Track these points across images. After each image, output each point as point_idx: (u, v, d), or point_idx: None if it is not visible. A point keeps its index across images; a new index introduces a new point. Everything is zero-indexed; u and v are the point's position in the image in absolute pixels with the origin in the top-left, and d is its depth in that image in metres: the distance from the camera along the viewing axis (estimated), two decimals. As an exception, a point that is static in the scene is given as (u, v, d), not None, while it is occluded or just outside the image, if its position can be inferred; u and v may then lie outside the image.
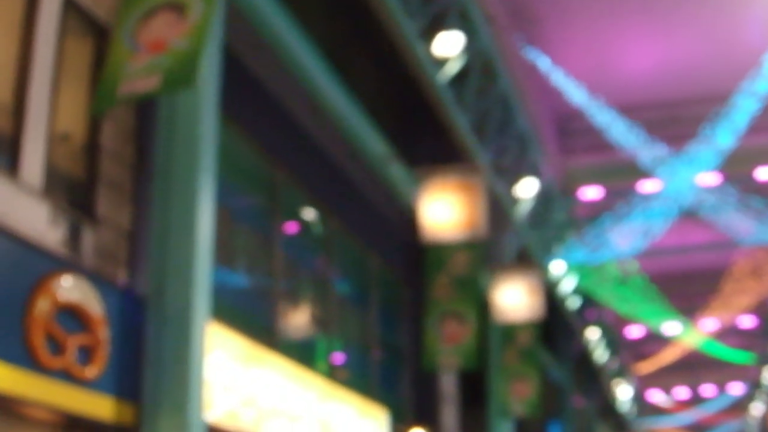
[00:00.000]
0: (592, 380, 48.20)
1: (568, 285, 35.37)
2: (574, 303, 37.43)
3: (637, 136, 27.97)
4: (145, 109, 11.51)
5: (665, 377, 59.18)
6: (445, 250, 18.47)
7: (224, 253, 14.59)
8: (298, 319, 17.72)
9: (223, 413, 12.44)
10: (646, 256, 32.56)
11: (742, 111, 26.59)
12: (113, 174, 11.07)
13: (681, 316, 40.54)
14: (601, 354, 46.08)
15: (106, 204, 10.88)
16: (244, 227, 15.91)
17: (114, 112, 11.12)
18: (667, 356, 47.10)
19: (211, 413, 11.87)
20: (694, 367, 56.88)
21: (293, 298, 17.55)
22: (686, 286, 41.28)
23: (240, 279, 15.68)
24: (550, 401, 43.22)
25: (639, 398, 61.87)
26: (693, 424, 66.98)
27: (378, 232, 21.86)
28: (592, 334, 42.94)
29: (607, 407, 56.87)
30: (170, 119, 11.41)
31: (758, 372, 56.20)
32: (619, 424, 59.93)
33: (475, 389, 26.94)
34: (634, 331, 47.65)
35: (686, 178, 29.50)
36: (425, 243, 18.70)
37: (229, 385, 12.66)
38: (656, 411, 64.82)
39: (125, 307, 10.69)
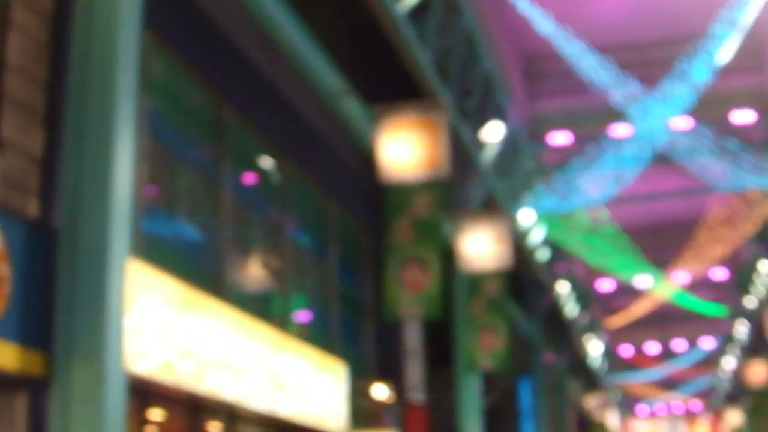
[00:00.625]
0: (562, 335, 47.24)
1: (537, 236, 34.25)
2: (543, 255, 36.32)
3: (608, 77, 26.72)
4: (57, 20, 10.19)
5: (636, 332, 58.28)
6: (405, 191, 17.08)
7: (167, 198, 13.77)
8: (250, 270, 16.60)
9: (156, 364, 11.22)
10: (617, 203, 31.41)
11: (718, 43, 25.35)
12: (21, 94, 9.78)
13: (653, 268, 39.43)
14: (571, 308, 45.09)
15: (13, 127, 9.61)
16: (189, 170, 14.64)
17: (22, 23, 9.82)
18: (638, 309, 46.06)
19: (142, 363, 10.69)
20: (665, 321, 55.99)
21: (244, 246, 16.40)
22: (658, 238, 40.24)
23: (184, 225, 14.51)
24: (520, 357, 42.30)
25: (610, 354, 61.05)
26: (664, 379, 66.35)
27: (336, 176, 20.80)
28: (562, 287, 41.90)
29: (578, 363, 56.02)
30: (86, 32, 10.11)
31: (730, 325, 55.40)
32: (590, 380, 59.11)
33: (440, 343, 25.89)
34: (605, 285, 46.61)
35: (659, 120, 28.31)
36: (384, 185, 17.34)
37: (163, 332, 11.42)
38: (627, 366, 64.05)
39: (34, 241, 9.42)
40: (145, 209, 12.10)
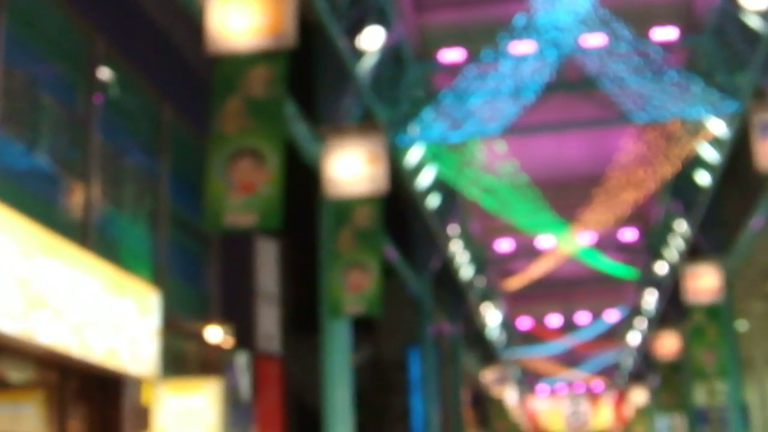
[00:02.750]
0: (456, 301, 43.23)
1: (426, 178, 30.13)
2: (433, 201, 32.17)
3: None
4: None
5: (537, 304, 54.51)
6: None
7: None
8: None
9: None
10: (517, 134, 27.37)
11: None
12: None
13: (555, 221, 35.34)
14: (466, 271, 41.05)
15: None
16: (49, 99, 12.93)
17: None
18: (538, 270, 41.93)
19: None
20: (568, 292, 52.28)
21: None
22: (563, 193, 36.19)
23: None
24: (410, 323, 38.39)
25: (509, 326, 57.22)
26: (567, 355, 62.79)
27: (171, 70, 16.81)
28: (456, 245, 37.80)
29: (474, 334, 52.15)
30: None
31: (637, 297, 51.85)
32: (487, 353, 55.25)
33: (302, 283, 21.76)
34: (504, 246, 42.52)
35: (567, 36, 24.31)
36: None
37: None
38: (527, 340, 60.26)
39: None
40: None
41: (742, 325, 38.24)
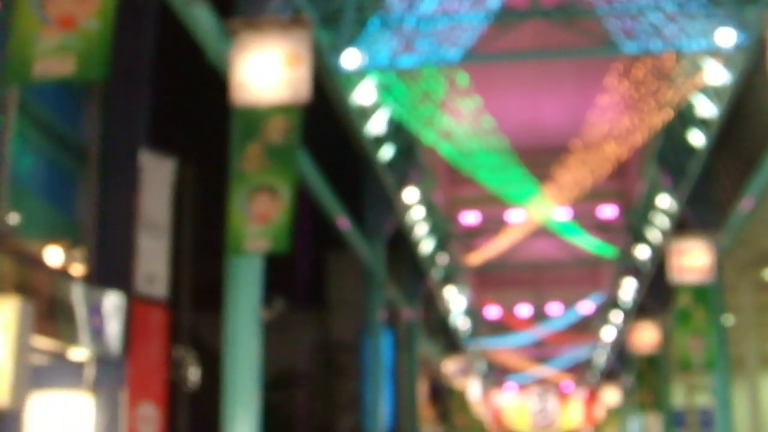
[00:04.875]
0: (414, 280, 39.16)
1: (378, 122, 26.07)
2: (387, 153, 28.08)
3: None
4: None
5: (505, 290, 50.56)
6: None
7: None
8: None
9: None
10: (480, 61, 23.27)
11: None
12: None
13: (527, 180, 31.24)
14: (426, 244, 36.97)
15: None
16: None
17: None
18: (506, 241, 37.71)
19: None
20: (538, 276, 48.35)
21: None
22: (537, 159, 32.25)
23: None
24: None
25: (474, 314, 53.16)
26: (536, 349, 58.88)
27: None
28: (415, 214, 33.68)
29: (436, 320, 48.10)
30: None
31: (613, 287, 47.95)
32: (450, 341, 51.17)
33: (204, 213, 17.77)
34: (470, 218, 38.42)
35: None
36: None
37: None
38: (494, 330, 56.22)
39: None
40: None
41: (728, 319, 34.36)
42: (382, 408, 31.03)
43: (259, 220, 15.01)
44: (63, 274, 13.25)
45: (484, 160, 28.50)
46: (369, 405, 30.92)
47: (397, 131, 27.66)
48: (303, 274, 42.37)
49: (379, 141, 27.29)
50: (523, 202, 32.99)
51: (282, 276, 41.15)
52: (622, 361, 58.65)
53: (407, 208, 32.50)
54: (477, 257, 39.41)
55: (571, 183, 29.79)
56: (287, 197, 14.99)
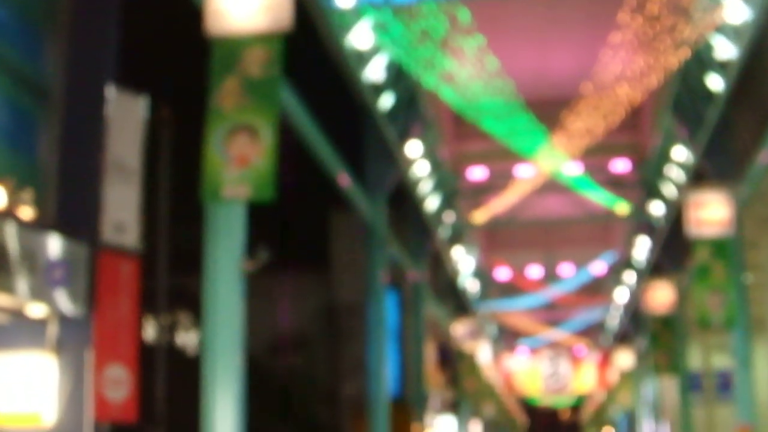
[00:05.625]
0: (420, 238, 37.68)
1: (376, 68, 24.58)
2: (387, 101, 26.60)
3: None
4: None
5: (515, 250, 49.11)
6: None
7: None
8: None
9: None
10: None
11: None
12: None
13: (536, 129, 29.64)
14: (431, 201, 35.50)
15: None
16: None
17: None
18: (515, 195, 36.08)
19: None
20: (549, 234, 46.91)
21: None
22: (546, 111, 30.72)
23: None
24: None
25: (484, 275, 51.73)
26: (547, 312, 57.47)
27: None
28: (420, 169, 32.22)
29: (444, 282, 46.71)
30: None
31: (626, 247, 46.50)
32: (459, 304, 49.77)
33: (181, 157, 16.33)
34: (477, 174, 36.84)
35: None
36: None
37: None
38: (504, 292, 54.79)
39: None
40: None
41: (748, 277, 32.84)
42: (386, 372, 29.63)
43: (238, 163, 13.75)
44: (15, 219, 11.83)
45: (489, 106, 26.91)
46: (372, 370, 29.50)
47: (397, 78, 26.19)
48: (305, 234, 41.02)
49: (378, 89, 25.82)
50: (532, 153, 31.35)
51: (281, 235, 39.90)
52: (635, 324, 57.29)
53: (410, 162, 31.05)
54: (485, 213, 37.83)
55: (582, 131, 28.21)
56: (269, 138, 13.72)
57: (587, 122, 27.34)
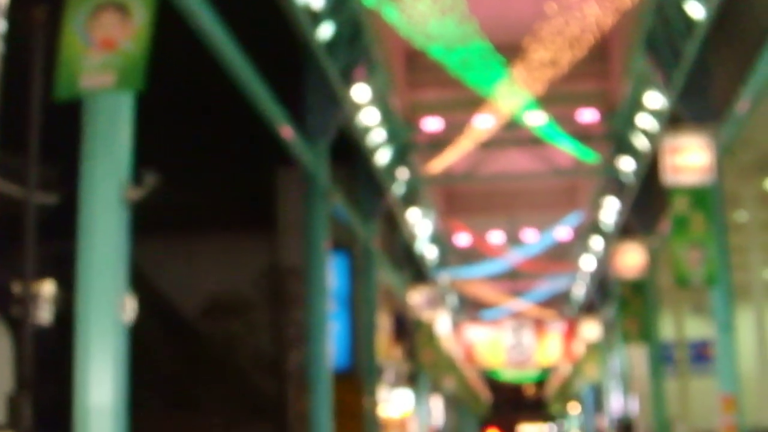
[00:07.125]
0: (370, 196, 34.67)
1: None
2: (326, 31, 23.53)
3: None
4: None
5: (475, 213, 46.18)
6: None
7: None
8: None
9: None
10: None
11: None
12: None
13: (494, 61, 26.60)
14: (383, 154, 32.52)
15: None
16: None
17: None
18: (470, 142, 33.01)
19: None
20: (512, 195, 44.09)
21: None
22: (508, 56, 27.76)
23: None
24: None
25: (442, 241, 48.85)
26: (510, 279, 54.74)
27: None
28: (368, 116, 29.24)
29: (400, 247, 43.85)
30: None
31: (592, 211, 43.75)
32: (417, 270, 46.85)
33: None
34: (432, 124, 33.79)
35: None
36: None
37: None
38: (465, 259, 51.97)
39: None
40: None
41: (741, 215, 30.25)
42: (329, 342, 26.64)
43: (103, 47, 11.61)
44: None
45: (439, 29, 23.83)
46: (314, 338, 26.52)
47: (338, 5, 23.17)
48: (247, 192, 38.19)
49: (316, 17, 22.80)
50: (489, 88, 28.30)
51: (221, 193, 36.92)
52: (603, 293, 54.70)
53: (358, 107, 28.03)
54: (441, 162, 34.76)
55: (545, 61, 25.19)
56: (142, 17, 11.63)
57: (551, 50, 24.29)
